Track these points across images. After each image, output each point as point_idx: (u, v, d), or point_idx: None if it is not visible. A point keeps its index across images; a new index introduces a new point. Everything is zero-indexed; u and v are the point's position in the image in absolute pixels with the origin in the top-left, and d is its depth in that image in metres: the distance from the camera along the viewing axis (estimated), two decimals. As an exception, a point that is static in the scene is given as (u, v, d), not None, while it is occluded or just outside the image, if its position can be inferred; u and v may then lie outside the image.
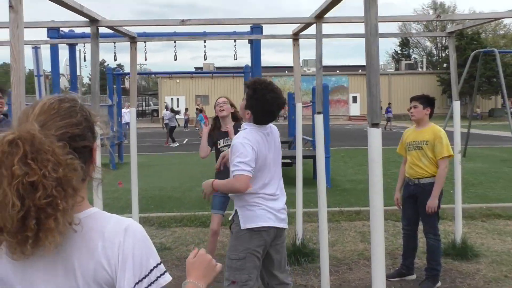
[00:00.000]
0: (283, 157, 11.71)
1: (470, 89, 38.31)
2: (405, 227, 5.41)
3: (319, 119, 5.05)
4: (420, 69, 56.30)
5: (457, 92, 6.05)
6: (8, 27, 2.89)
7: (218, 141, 5.34)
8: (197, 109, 27.92)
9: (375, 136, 2.89)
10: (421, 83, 49.20)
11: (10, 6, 2.84)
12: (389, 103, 37.91)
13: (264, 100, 3.42)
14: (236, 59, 9.10)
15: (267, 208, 3.44)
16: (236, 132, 4.51)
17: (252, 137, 3.41)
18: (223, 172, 4.11)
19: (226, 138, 5.27)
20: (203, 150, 5.31)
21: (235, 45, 9.23)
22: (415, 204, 5.16)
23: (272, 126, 3.70)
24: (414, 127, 5.30)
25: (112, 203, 8.66)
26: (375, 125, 2.90)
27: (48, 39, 10.04)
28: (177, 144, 22.57)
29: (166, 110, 25.53)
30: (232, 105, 5.39)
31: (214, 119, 5.49)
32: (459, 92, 6.39)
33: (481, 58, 14.84)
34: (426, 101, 5.16)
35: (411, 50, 68.40)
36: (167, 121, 23.58)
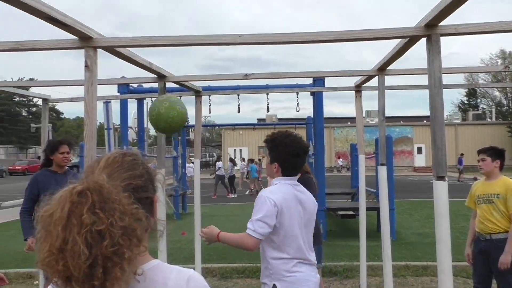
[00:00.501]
0: (348, 208, 11.53)
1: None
2: (476, 285, 5.09)
3: (382, 170, 4.98)
4: (489, 120, 54.54)
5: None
6: (82, 85, 3.09)
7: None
8: (249, 159, 28.39)
9: (441, 190, 2.82)
10: (491, 134, 47.59)
11: (86, 66, 3.03)
12: (461, 154, 36.52)
13: (284, 144, 3.25)
14: (299, 111, 9.18)
15: None
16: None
17: (279, 191, 3.14)
18: None
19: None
20: None
21: (297, 97, 9.33)
22: (487, 260, 4.85)
23: (306, 192, 3.36)
24: (484, 179, 5.06)
25: (176, 253, 8.75)
26: (440, 178, 2.84)
27: (119, 94, 10.52)
28: (236, 195, 22.74)
29: (218, 161, 26.11)
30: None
31: None
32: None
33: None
34: (495, 153, 4.93)
35: (478, 100, 66.66)
36: (221, 173, 23.74)
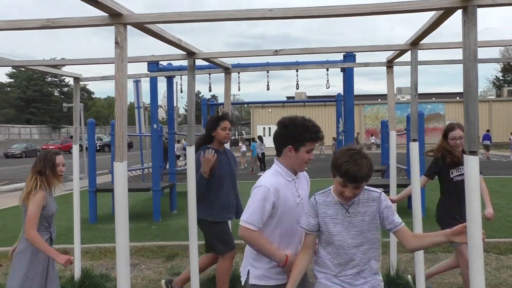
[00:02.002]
0: (378, 185, 11.49)
1: None
2: None
3: (414, 146, 4.92)
4: (524, 95, 53.19)
5: None
6: (113, 62, 3.11)
7: (451, 170, 5.12)
8: (252, 138, 29.36)
9: (472, 164, 2.78)
10: (526, 110, 46.51)
11: (116, 43, 3.06)
12: (487, 130, 35.54)
13: (295, 124, 3.08)
14: (328, 87, 9.11)
15: None
16: None
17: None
18: None
19: (459, 167, 5.00)
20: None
21: (327, 74, 9.27)
22: None
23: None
24: None
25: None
26: (473, 152, 2.80)
27: (148, 72, 10.58)
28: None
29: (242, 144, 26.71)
30: None
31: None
32: None
33: None
34: None
35: (513, 76, 65.01)
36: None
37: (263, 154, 23.78)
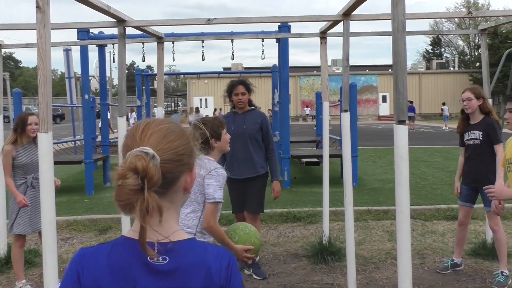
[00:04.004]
0: (311, 156, 11.67)
1: (504, 88, 37.55)
2: None
3: (345, 117, 5.00)
4: (452, 68, 55.35)
5: (489, 91, 5.91)
6: (35, 29, 2.94)
7: (464, 134, 5.20)
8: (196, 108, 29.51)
9: (401, 133, 2.84)
10: (453, 83, 48.43)
11: (37, 7, 2.89)
12: (411, 101, 36.10)
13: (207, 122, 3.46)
14: (264, 58, 9.12)
15: None
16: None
17: None
18: None
19: (471, 132, 5.08)
20: None
21: (262, 45, 9.24)
22: None
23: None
24: None
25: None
26: (401, 122, 2.86)
27: (78, 40, 10.17)
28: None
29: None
30: (479, 97, 5.01)
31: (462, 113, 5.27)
32: (492, 91, 6.24)
33: (514, 56, 14.53)
34: None
35: (442, 49, 67.39)
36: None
37: None
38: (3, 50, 6.33)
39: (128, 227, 4.56)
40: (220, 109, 37.99)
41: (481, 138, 4.93)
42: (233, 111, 5.51)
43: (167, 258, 1.25)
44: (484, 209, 5.05)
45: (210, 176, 3.20)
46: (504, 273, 4.93)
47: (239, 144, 5.23)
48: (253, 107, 5.55)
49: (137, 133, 1.28)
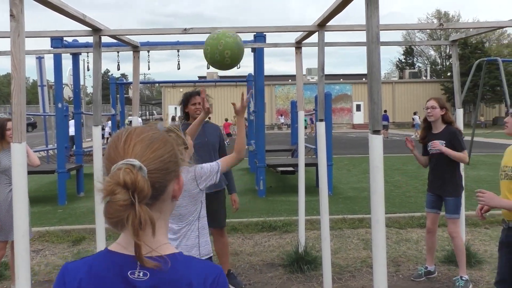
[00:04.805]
0: (287, 165, 11.64)
1: (474, 98, 38.24)
2: (496, 282, 3.73)
3: (321, 126, 5.05)
4: (424, 78, 56.27)
5: (460, 100, 6.03)
6: (9, 37, 2.91)
7: (428, 144, 5.29)
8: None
9: (376, 143, 2.88)
10: (425, 92, 49.23)
11: (11, 15, 2.86)
12: (385, 110, 36.50)
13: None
14: (239, 67, 9.11)
15: None
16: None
17: None
18: None
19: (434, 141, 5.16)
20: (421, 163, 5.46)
21: (238, 54, 9.21)
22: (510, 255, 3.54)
23: None
24: None
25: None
26: (376, 132, 2.90)
27: (51, 48, 10.05)
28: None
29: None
30: (442, 107, 5.17)
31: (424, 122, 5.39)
32: (463, 100, 6.37)
33: (484, 67, 14.81)
34: None
35: (415, 59, 68.55)
36: None
37: None
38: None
39: (102, 238, 4.51)
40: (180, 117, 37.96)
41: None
42: (187, 123, 5.19)
43: (148, 273, 1.20)
44: (445, 216, 5.16)
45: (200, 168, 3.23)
46: (463, 278, 5.08)
47: (203, 157, 5.00)
48: (207, 120, 5.32)
49: (120, 144, 1.23)
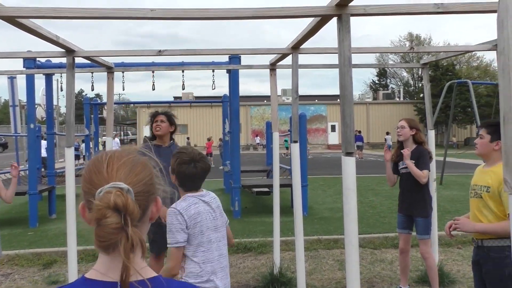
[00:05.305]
0: (262, 185, 11.58)
1: (446, 118, 39.01)
2: None
3: (295, 148, 5.08)
4: (397, 99, 57.17)
5: (431, 121, 6.16)
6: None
7: (398, 163, 5.38)
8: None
9: (349, 165, 2.92)
10: (399, 113, 49.96)
11: (-16, 36, 2.84)
12: (359, 131, 36.47)
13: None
14: (214, 88, 9.16)
15: None
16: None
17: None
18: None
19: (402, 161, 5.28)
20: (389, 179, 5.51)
21: (213, 75, 9.30)
22: (481, 273, 3.57)
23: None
24: (483, 165, 3.80)
25: (88, 234, 8.51)
26: (349, 154, 2.94)
27: (24, 69, 9.95)
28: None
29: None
30: (412, 127, 5.27)
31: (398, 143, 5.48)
32: (435, 121, 6.50)
33: (455, 89, 15.16)
34: (495, 131, 3.50)
35: (388, 80, 69.66)
36: None
37: None
38: None
39: (74, 260, 4.44)
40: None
41: None
42: (154, 144, 5.16)
43: None
44: (417, 237, 5.21)
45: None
46: None
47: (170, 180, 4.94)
48: (173, 141, 5.38)
49: (103, 168, 1.22)
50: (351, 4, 3.04)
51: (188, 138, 36.34)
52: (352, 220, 2.82)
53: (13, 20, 3.12)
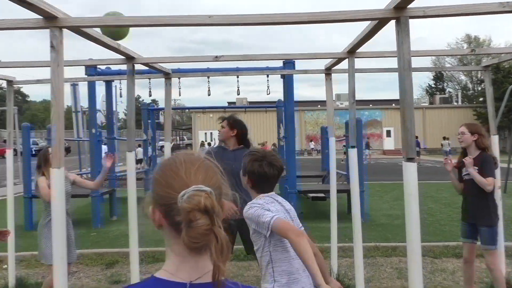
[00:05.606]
0: (318, 191, 11.47)
1: (509, 123, 37.68)
2: None
3: (353, 153, 5.02)
4: (455, 103, 55.53)
5: (495, 126, 5.94)
6: (49, 66, 3.01)
7: (462, 169, 5.20)
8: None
9: (410, 171, 2.86)
10: (457, 117, 48.54)
11: (52, 47, 2.95)
12: (416, 136, 35.86)
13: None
14: (269, 93, 9.18)
15: None
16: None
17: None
18: None
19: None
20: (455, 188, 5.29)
21: (267, 80, 9.34)
22: None
23: None
24: None
25: (147, 236, 8.70)
26: (410, 159, 2.87)
27: (86, 76, 10.32)
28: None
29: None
30: (474, 132, 5.07)
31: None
32: (497, 126, 6.26)
33: (518, 92, 14.59)
34: None
35: (445, 84, 67.84)
36: None
37: None
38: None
39: (136, 261, 4.54)
40: (209, 143, 38.80)
41: None
42: (222, 146, 5.35)
43: None
44: (482, 247, 4.96)
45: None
46: None
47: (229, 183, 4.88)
48: (242, 146, 5.31)
49: (181, 171, 1.25)
50: (409, 6, 2.98)
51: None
52: (414, 227, 2.74)
53: (78, 30, 3.24)
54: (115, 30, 4.10)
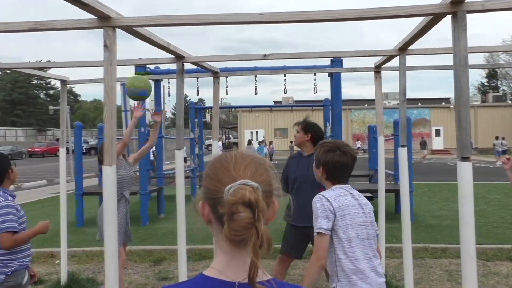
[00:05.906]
0: (365, 190, 11.35)
1: None
2: None
3: (403, 152, 4.92)
4: (510, 101, 53.70)
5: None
6: (101, 65, 3.07)
7: None
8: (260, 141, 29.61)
9: (465, 170, 2.77)
10: (511, 116, 46.99)
11: (105, 46, 3.01)
12: None
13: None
14: (316, 92, 9.11)
15: None
16: None
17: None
18: None
19: None
20: None
21: (315, 79, 9.27)
22: None
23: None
24: None
25: (194, 234, 8.79)
26: (465, 158, 2.79)
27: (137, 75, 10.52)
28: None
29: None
30: None
31: None
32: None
33: None
34: None
35: (499, 82, 65.76)
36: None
37: None
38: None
39: (183, 259, 4.58)
40: (270, 142, 38.71)
41: None
42: (300, 153, 5.19)
43: None
44: None
45: None
46: None
47: (304, 189, 4.81)
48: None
49: (230, 166, 1.26)
50: (467, 0, 2.88)
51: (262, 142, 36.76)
52: (469, 228, 2.66)
53: (131, 29, 3.29)
54: (139, 86, 5.14)
